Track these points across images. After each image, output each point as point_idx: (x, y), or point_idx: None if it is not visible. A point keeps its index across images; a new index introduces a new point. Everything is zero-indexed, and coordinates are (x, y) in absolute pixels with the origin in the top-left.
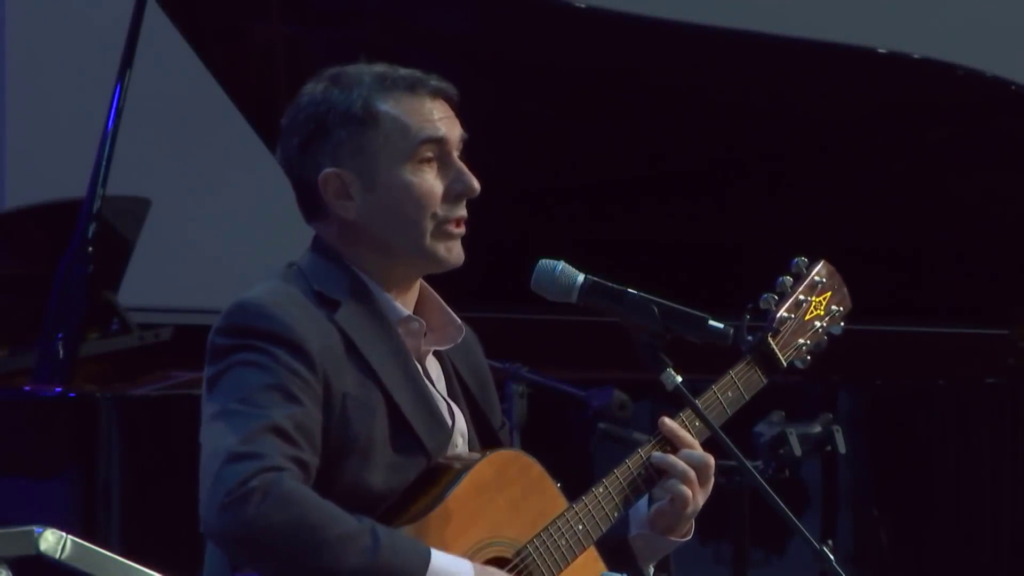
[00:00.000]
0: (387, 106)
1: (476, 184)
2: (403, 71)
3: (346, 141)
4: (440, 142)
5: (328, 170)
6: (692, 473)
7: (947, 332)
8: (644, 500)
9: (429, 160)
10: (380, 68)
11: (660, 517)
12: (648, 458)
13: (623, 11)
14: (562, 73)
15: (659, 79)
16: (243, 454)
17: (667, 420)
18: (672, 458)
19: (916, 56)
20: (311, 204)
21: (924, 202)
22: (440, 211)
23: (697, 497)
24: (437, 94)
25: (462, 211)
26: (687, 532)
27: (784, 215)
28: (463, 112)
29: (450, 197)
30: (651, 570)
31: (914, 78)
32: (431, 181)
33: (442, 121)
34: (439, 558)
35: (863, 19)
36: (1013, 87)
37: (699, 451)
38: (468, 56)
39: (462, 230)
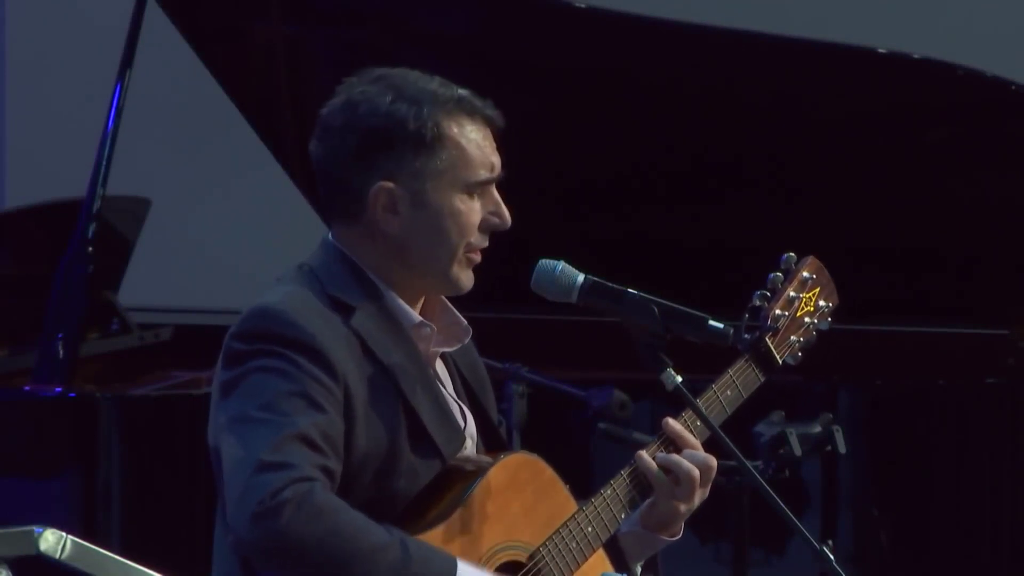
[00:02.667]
0: (455, 132)
1: (509, 220)
2: (460, 91)
3: (411, 160)
4: (494, 181)
5: (383, 184)
6: (696, 472)
7: (947, 332)
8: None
9: (478, 192)
10: (438, 83)
11: (652, 515)
12: (653, 459)
13: (623, 11)
14: (563, 73)
15: (659, 79)
16: (273, 463)
17: (671, 421)
18: (676, 458)
19: (916, 56)
20: (344, 207)
21: (924, 202)
22: (473, 240)
23: (694, 497)
24: (490, 123)
25: (486, 242)
26: (677, 531)
27: (784, 215)
28: None
29: (484, 228)
30: (638, 569)
31: (914, 78)
32: (476, 211)
33: (494, 155)
34: (464, 568)
35: (863, 19)
36: (1013, 87)
37: (702, 453)
38: (468, 56)
39: (479, 259)
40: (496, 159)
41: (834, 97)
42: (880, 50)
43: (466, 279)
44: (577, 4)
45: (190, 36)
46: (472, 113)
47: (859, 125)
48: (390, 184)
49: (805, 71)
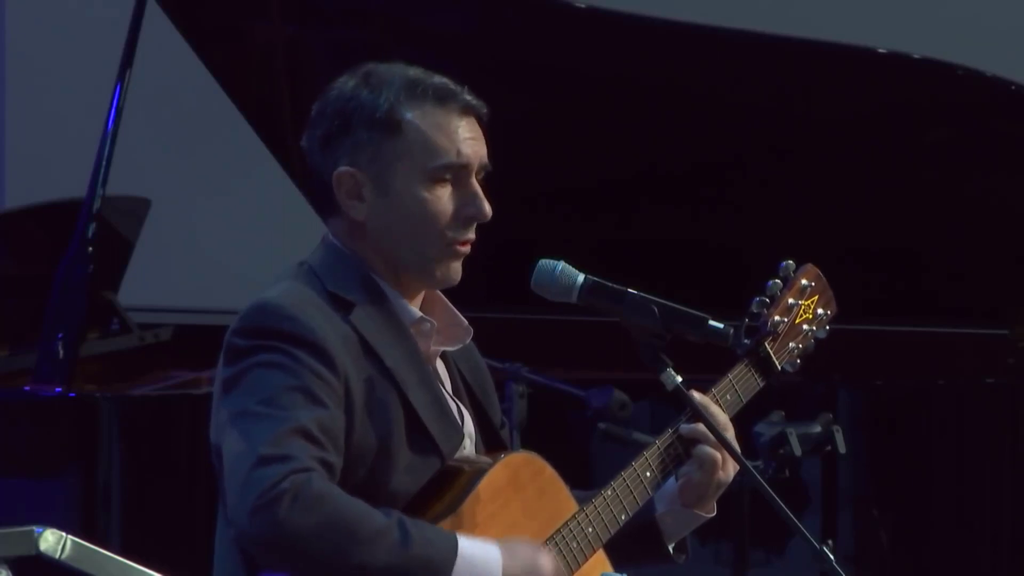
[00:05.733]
0: (412, 115)
1: (488, 210)
2: (437, 79)
3: (366, 144)
4: (462, 167)
5: (344, 168)
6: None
7: (947, 332)
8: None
9: (446, 180)
10: (414, 72)
11: (688, 490)
12: (676, 430)
13: (623, 11)
14: (562, 73)
15: (659, 79)
16: (272, 456)
17: (697, 393)
18: (702, 426)
19: (916, 56)
20: (324, 199)
21: (924, 202)
22: (449, 232)
23: (728, 465)
24: (467, 111)
25: (470, 234)
26: (711, 508)
27: (784, 215)
28: None
29: (460, 219)
30: (671, 548)
31: (914, 78)
32: (444, 201)
33: (467, 143)
34: (466, 543)
35: (863, 19)
36: (1013, 87)
37: (724, 416)
38: (468, 56)
39: (467, 251)
40: (471, 148)
41: (834, 97)
42: (880, 50)
43: (444, 270)
44: (577, 4)
45: (190, 36)
46: (444, 100)
47: (859, 125)
48: (351, 169)
49: (805, 71)
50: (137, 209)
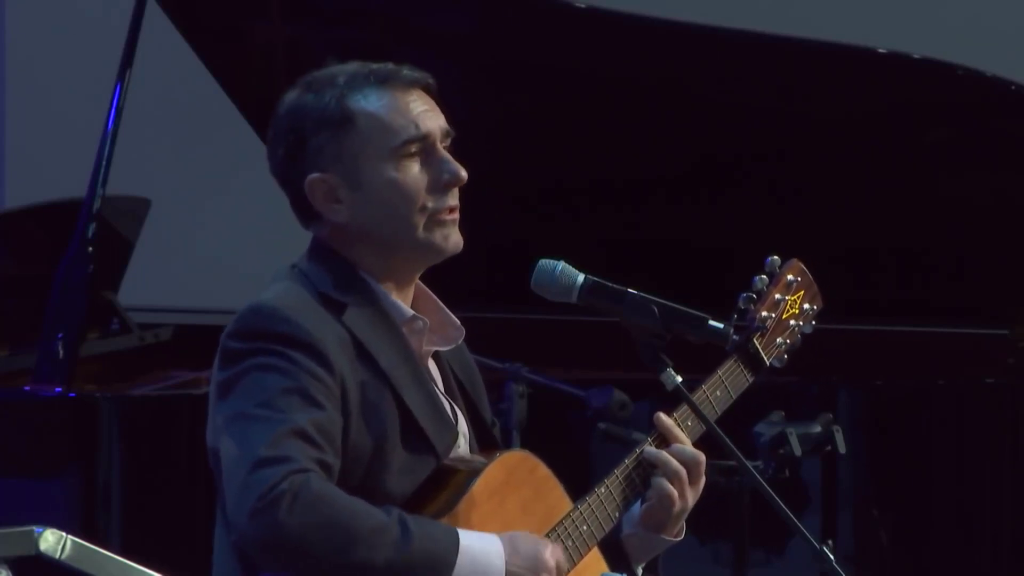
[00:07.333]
0: (362, 104)
1: (463, 172)
2: (375, 65)
3: (325, 146)
4: (423, 139)
5: (313, 176)
6: (683, 472)
7: (947, 332)
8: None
9: (412, 155)
10: (352, 66)
11: (650, 516)
12: (641, 453)
13: (623, 11)
14: (562, 73)
15: (658, 79)
16: (270, 459)
17: (662, 415)
18: (663, 455)
19: (916, 56)
20: (304, 210)
21: (924, 202)
22: (429, 203)
23: (686, 496)
24: (412, 85)
25: (453, 200)
26: (679, 532)
27: (784, 215)
28: (464, 113)
29: (438, 188)
30: (640, 570)
31: (914, 78)
32: (416, 175)
33: (422, 115)
34: (467, 536)
35: (863, 19)
36: (1013, 87)
37: (690, 448)
38: (468, 56)
39: (456, 217)
40: (427, 118)
41: (834, 97)
42: (880, 50)
43: (442, 239)
44: (577, 4)
45: (190, 36)
46: (384, 81)
47: (859, 125)
48: (319, 175)
49: (805, 71)
50: (137, 209)
